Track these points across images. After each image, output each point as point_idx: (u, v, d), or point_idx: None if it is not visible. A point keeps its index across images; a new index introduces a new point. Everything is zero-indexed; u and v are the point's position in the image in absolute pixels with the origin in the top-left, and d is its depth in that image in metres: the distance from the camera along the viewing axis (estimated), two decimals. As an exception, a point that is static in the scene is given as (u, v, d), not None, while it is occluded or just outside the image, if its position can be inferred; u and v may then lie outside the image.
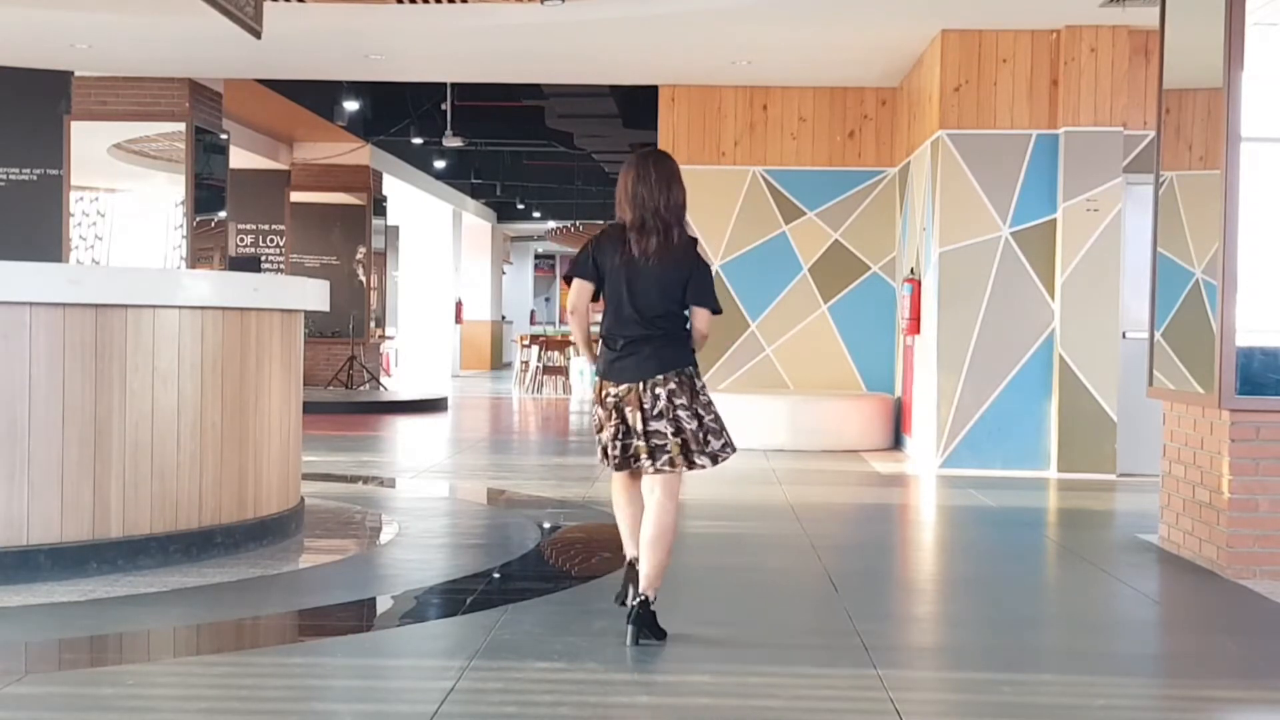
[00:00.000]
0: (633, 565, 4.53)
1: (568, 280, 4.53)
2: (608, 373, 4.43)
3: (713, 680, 3.94)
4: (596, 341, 4.54)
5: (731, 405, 10.82)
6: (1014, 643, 4.54)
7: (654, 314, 4.38)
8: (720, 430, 4.43)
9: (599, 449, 4.52)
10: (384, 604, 5.09)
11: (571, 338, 4.50)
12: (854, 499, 8.27)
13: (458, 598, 5.09)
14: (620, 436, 4.40)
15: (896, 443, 10.96)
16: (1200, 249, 5.99)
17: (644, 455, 4.37)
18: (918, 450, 10.01)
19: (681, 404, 4.36)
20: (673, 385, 4.36)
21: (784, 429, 10.60)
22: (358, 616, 4.89)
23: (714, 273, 11.39)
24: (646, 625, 4.31)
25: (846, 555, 6.18)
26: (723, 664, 4.13)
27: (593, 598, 5.03)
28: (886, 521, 7.56)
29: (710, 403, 4.45)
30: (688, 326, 4.47)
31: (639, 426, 4.36)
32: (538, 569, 5.73)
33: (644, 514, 4.46)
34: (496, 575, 5.47)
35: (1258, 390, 5.58)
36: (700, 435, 4.38)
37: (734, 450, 4.49)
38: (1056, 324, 9.20)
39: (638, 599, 4.33)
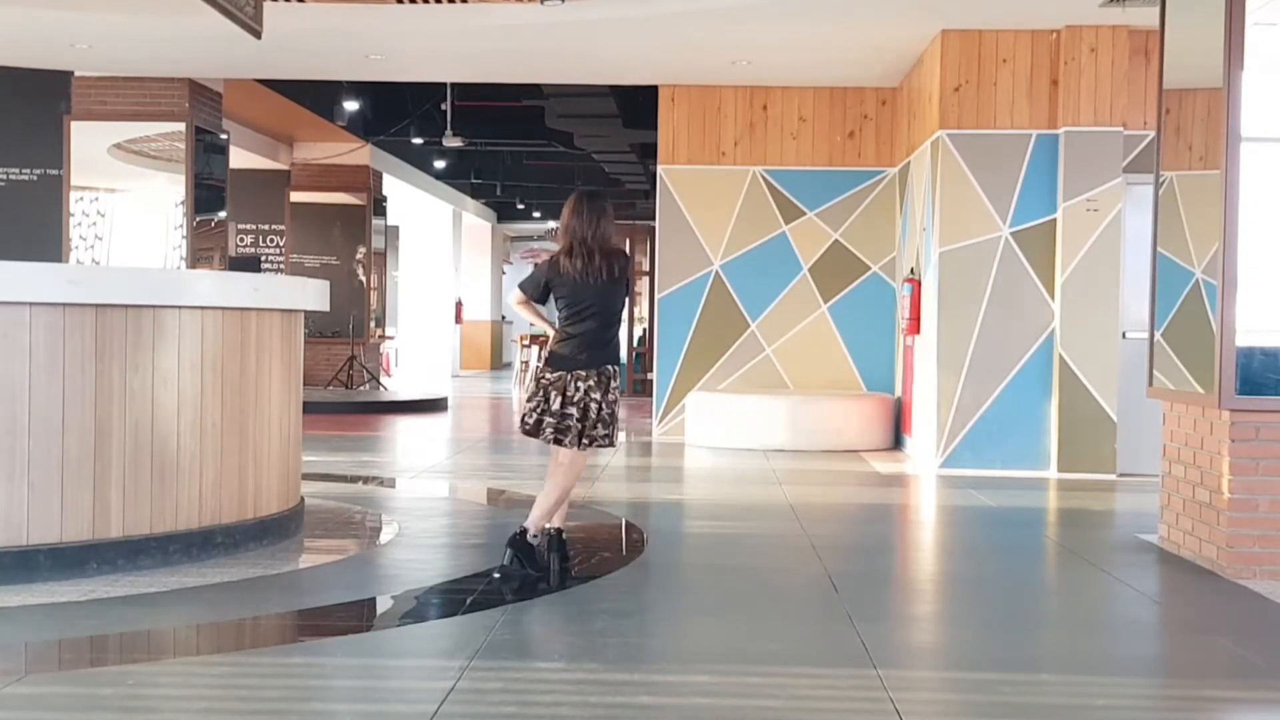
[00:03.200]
0: (554, 536, 5.46)
1: (520, 288, 5.62)
2: (550, 361, 5.44)
3: (713, 680, 3.94)
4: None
5: (731, 405, 10.87)
6: (1014, 643, 4.54)
7: (593, 319, 5.37)
8: (610, 423, 5.41)
9: (519, 417, 5.53)
10: (384, 604, 5.09)
11: (530, 320, 5.74)
12: (854, 499, 8.27)
13: (458, 598, 5.09)
14: (539, 412, 5.37)
15: (896, 443, 10.96)
16: (1200, 249, 5.99)
17: (551, 430, 5.34)
18: (918, 450, 10.01)
19: (594, 398, 5.35)
20: (591, 381, 5.35)
21: (784, 429, 10.60)
22: (358, 616, 4.88)
23: (715, 274, 11.41)
24: (522, 553, 5.30)
25: (846, 555, 6.18)
26: (723, 664, 4.13)
27: (593, 598, 5.03)
28: (886, 521, 7.56)
29: (615, 400, 5.45)
30: (618, 332, 5.55)
31: (555, 407, 5.34)
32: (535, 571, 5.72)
33: (550, 476, 5.51)
34: (496, 575, 5.46)
35: (1258, 390, 5.58)
36: (593, 422, 5.35)
37: (610, 444, 5.47)
38: (1056, 324, 9.20)
39: (522, 530, 5.36)
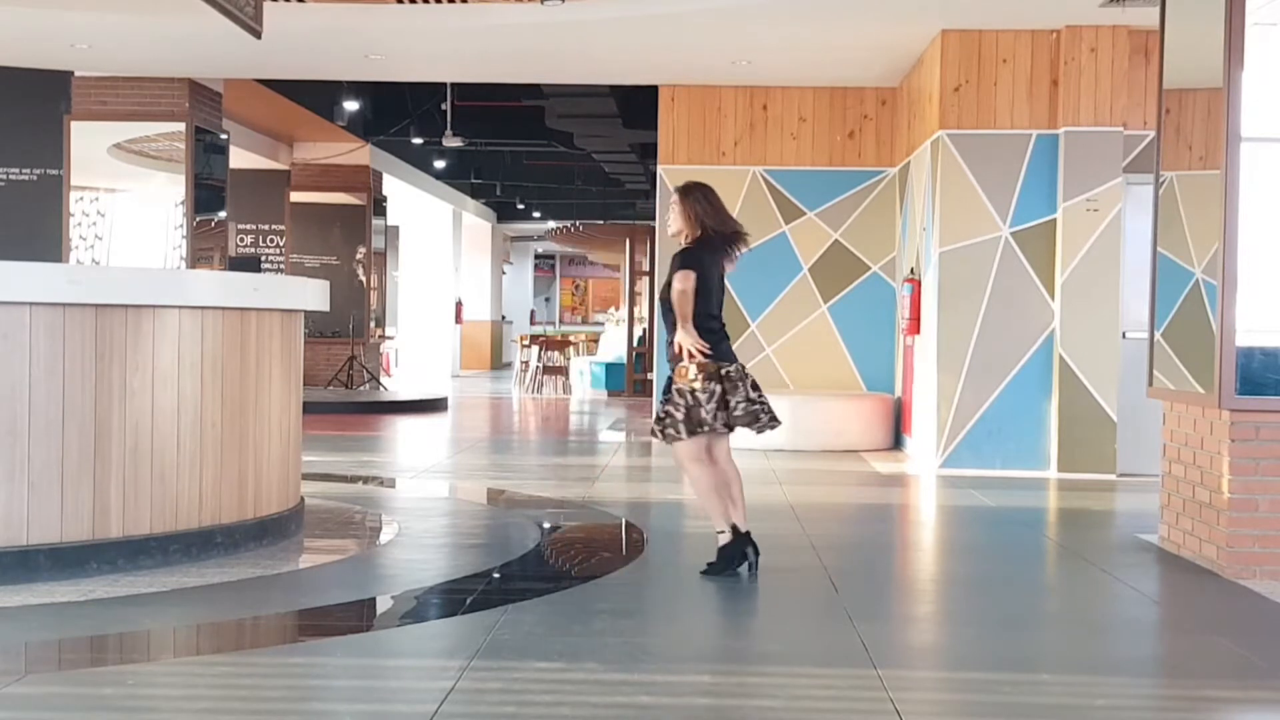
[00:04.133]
0: (738, 532, 5.39)
1: (688, 267, 5.39)
2: (724, 354, 5.40)
3: (713, 680, 3.94)
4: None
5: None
6: (1014, 643, 4.54)
7: (722, 310, 5.53)
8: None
9: (693, 422, 5.32)
10: (384, 604, 5.09)
11: (684, 313, 5.39)
12: (854, 499, 8.27)
13: (458, 598, 5.09)
14: (744, 402, 5.36)
15: (896, 443, 10.96)
16: (1200, 249, 5.99)
17: (763, 414, 5.40)
18: (918, 450, 10.01)
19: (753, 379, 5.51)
20: (743, 367, 5.48)
21: (784, 429, 10.52)
22: (358, 616, 4.88)
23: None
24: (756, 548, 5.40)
25: (846, 555, 6.18)
26: (723, 664, 4.13)
27: (593, 598, 5.03)
28: (886, 521, 7.56)
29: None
30: None
31: (750, 393, 5.39)
32: (538, 569, 5.73)
33: (731, 473, 5.50)
34: (496, 575, 5.47)
35: (1258, 390, 5.58)
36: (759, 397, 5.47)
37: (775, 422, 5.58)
38: (1056, 324, 9.20)
39: (745, 532, 5.40)
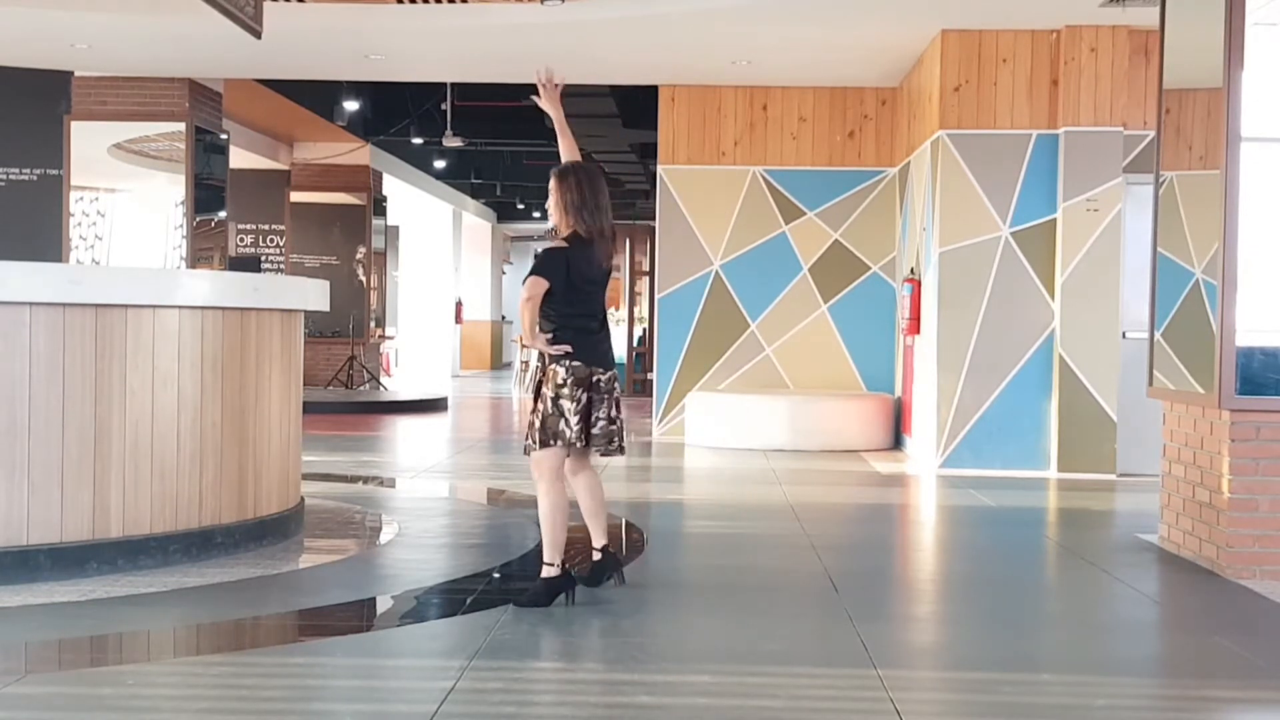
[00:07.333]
0: (606, 552, 5.09)
1: (539, 273, 4.84)
2: (595, 359, 4.89)
3: (713, 680, 3.94)
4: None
5: (731, 405, 10.87)
6: (1014, 643, 4.54)
7: (603, 310, 5.00)
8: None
9: (548, 432, 4.84)
10: (384, 604, 5.09)
11: (523, 323, 4.85)
12: (854, 499, 8.27)
13: (458, 598, 5.09)
14: (605, 418, 4.91)
15: (896, 443, 10.96)
16: (1200, 249, 5.99)
17: (616, 437, 4.97)
18: (918, 450, 10.01)
19: (619, 394, 5.03)
20: (615, 378, 5.00)
21: (784, 429, 10.60)
22: (358, 616, 4.88)
23: (715, 274, 11.42)
24: (620, 570, 5.10)
25: (846, 555, 6.18)
26: (723, 664, 4.13)
27: (593, 598, 5.03)
28: (886, 521, 7.56)
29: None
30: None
31: (611, 412, 4.94)
32: (538, 569, 5.72)
33: (583, 489, 5.08)
34: (496, 575, 5.47)
35: (1258, 390, 5.58)
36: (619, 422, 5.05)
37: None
38: (1056, 324, 9.20)
39: (608, 552, 5.08)
